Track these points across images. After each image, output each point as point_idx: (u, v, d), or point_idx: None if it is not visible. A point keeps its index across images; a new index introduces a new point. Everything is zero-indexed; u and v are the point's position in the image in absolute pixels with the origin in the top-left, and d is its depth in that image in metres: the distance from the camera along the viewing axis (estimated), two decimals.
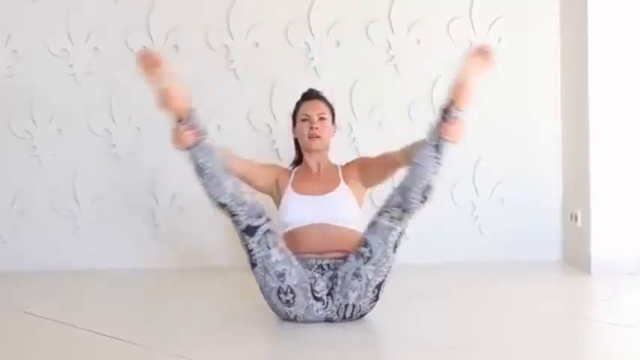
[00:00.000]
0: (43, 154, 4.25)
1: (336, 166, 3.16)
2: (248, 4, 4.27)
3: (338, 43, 4.29)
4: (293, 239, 2.94)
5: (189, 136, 2.78)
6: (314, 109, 3.12)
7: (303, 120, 3.11)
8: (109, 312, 3.21)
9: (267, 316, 2.94)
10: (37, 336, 2.81)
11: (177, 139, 2.79)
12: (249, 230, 2.78)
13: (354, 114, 4.28)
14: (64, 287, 3.80)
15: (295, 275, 2.79)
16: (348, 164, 3.18)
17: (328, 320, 2.84)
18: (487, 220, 4.30)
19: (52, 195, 4.26)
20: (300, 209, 2.98)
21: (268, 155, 4.12)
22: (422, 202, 2.77)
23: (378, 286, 2.82)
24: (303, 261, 2.85)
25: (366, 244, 2.79)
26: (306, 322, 2.83)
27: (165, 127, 4.22)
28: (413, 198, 2.75)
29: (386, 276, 2.82)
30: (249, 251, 2.80)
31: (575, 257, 4.08)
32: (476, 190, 4.30)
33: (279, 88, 4.22)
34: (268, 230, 2.79)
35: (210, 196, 2.77)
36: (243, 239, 2.80)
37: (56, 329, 2.88)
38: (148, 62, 2.83)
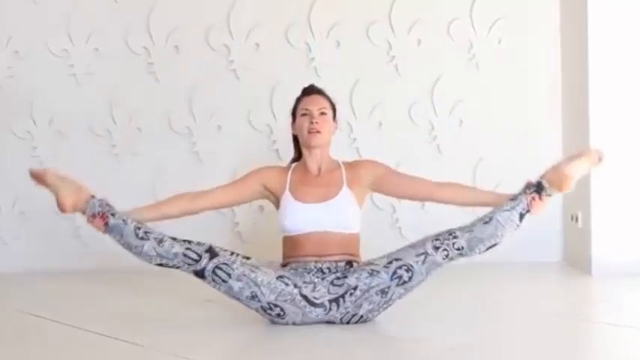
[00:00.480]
0: (43, 155, 4.25)
1: (338, 166, 2.99)
2: (248, 5, 4.27)
3: (338, 44, 4.29)
4: (292, 244, 2.87)
5: (97, 224, 2.85)
6: (315, 103, 2.96)
7: (303, 115, 2.95)
8: (109, 312, 3.20)
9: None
10: (38, 337, 2.81)
11: (92, 227, 2.87)
12: (198, 275, 2.76)
13: (354, 114, 4.28)
14: (65, 288, 3.80)
15: (269, 292, 2.73)
16: (356, 164, 3.02)
17: (328, 322, 2.82)
18: None
19: (53, 196, 4.24)
20: (300, 218, 2.85)
21: (268, 156, 4.13)
22: (482, 254, 2.80)
23: (393, 303, 2.80)
24: (301, 265, 2.80)
25: (408, 269, 2.74)
26: (304, 324, 2.81)
27: (166, 128, 4.27)
28: (479, 250, 2.78)
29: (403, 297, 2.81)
30: (214, 287, 2.78)
31: (576, 258, 4.08)
32: None
33: (280, 89, 4.22)
34: (215, 267, 2.74)
35: (144, 261, 2.80)
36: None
37: (57, 330, 2.88)
38: (37, 178, 2.91)
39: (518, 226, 2.83)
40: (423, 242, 2.79)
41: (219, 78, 4.27)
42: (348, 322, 2.80)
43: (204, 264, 2.74)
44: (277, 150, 4.21)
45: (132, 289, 3.74)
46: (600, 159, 2.90)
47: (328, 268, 2.80)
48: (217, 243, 4.19)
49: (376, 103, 4.28)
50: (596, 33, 3.86)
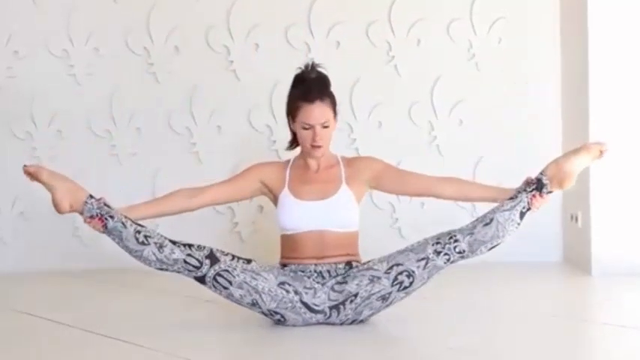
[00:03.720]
0: (43, 156, 4.25)
1: (337, 161, 2.91)
2: (248, 5, 4.27)
3: (338, 44, 4.29)
4: (290, 243, 2.84)
5: (95, 225, 2.80)
6: (317, 117, 2.80)
7: (305, 128, 2.82)
8: (109, 312, 3.21)
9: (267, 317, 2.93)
10: (37, 337, 2.81)
11: (92, 228, 2.83)
12: (199, 280, 2.75)
13: (354, 114, 4.28)
14: (64, 288, 3.80)
15: (270, 300, 2.72)
16: (355, 161, 2.96)
17: (328, 323, 2.82)
18: None
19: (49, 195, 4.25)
20: (298, 215, 2.82)
21: (268, 156, 4.12)
22: (483, 254, 2.77)
23: (393, 304, 2.79)
24: (300, 268, 2.78)
25: (409, 275, 2.72)
26: (305, 325, 2.81)
27: (166, 128, 4.26)
28: (482, 252, 2.75)
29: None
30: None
31: (576, 258, 4.08)
32: None
33: (280, 89, 4.21)
34: (217, 274, 2.71)
35: (146, 265, 2.78)
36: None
37: (56, 330, 2.88)
38: (31, 176, 2.88)
39: (519, 224, 2.81)
40: (423, 246, 2.75)
41: (219, 78, 4.27)
42: (345, 324, 2.80)
43: (205, 271, 2.72)
44: (277, 150, 4.20)
45: (131, 289, 3.74)
46: (602, 152, 2.83)
47: (328, 272, 2.78)
48: (216, 243, 4.20)
49: (376, 103, 4.28)
50: (596, 32, 3.86)
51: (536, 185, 2.81)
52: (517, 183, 4.24)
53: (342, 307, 2.74)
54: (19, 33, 4.24)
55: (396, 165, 4.21)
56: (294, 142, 2.97)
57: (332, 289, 2.75)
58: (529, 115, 4.29)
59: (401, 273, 2.72)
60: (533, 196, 2.79)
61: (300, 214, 2.82)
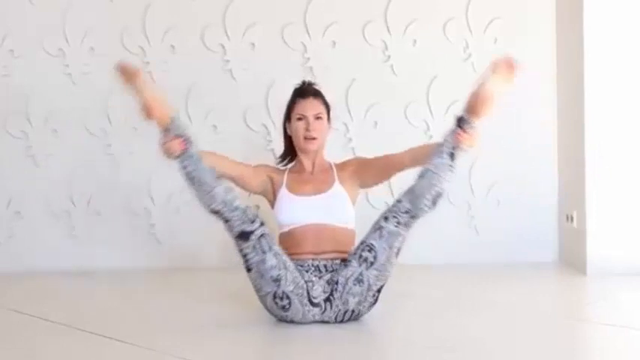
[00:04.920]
0: (38, 155, 4.25)
1: (330, 166, 3.09)
2: (244, 5, 4.27)
3: (334, 44, 4.29)
4: (288, 239, 2.92)
5: (175, 146, 2.79)
6: (310, 108, 3.02)
7: (299, 119, 3.02)
8: (105, 312, 3.20)
9: (264, 316, 2.94)
10: (32, 336, 2.81)
11: (164, 149, 2.80)
12: (243, 235, 2.76)
13: (350, 114, 4.28)
14: (59, 288, 3.79)
15: (291, 281, 2.76)
16: (343, 164, 3.12)
17: (324, 322, 2.83)
18: (483, 221, 4.30)
19: (48, 195, 4.25)
20: (295, 209, 2.95)
21: (264, 156, 4.12)
22: (431, 208, 2.76)
23: (379, 290, 2.81)
24: (298, 262, 2.83)
25: (370, 249, 2.76)
26: (302, 323, 2.82)
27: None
28: (424, 205, 2.74)
29: (386, 280, 2.81)
30: (244, 256, 2.78)
31: (571, 258, 4.09)
32: (472, 190, 4.30)
33: (276, 89, 4.22)
34: (262, 234, 2.76)
35: (202, 203, 2.77)
36: (237, 245, 2.78)
37: (52, 330, 2.87)
38: (126, 74, 2.86)
39: (452, 166, 2.78)
40: (377, 219, 2.81)
41: (215, 78, 4.26)
42: (342, 321, 2.81)
43: (256, 227, 2.75)
44: (273, 150, 4.20)
45: (128, 289, 3.74)
46: (512, 65, 2.82)
47: (325, 266, 2.84)
48: (213, 242, 4.24)
49: (372, 103, 4.28)
50: (592, 33, 3.87)
51: (458, 122, 2.81)
52: (512, 182, 4.29)
53: (331, 297, 2.78)
54: (14, 32, 4.23)
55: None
56: (286, 156, 3.12)
57: (327, 282, 2.80)
58: (525, 115, 4.29)
59: (363, 250, 2.77)
60: (458, 134, 2.79)
61: (296, 207, 2.95)
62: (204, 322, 2.97)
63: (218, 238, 4.23)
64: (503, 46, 4.26)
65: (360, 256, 2.77)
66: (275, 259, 2.76)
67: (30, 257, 4.21)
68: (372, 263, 2.76)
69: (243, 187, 3.07)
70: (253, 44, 4.28)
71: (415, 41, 4.28)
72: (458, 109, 4.21)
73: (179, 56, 4.26)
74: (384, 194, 4.28)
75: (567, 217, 4.14)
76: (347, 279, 2.77)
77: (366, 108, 4.27)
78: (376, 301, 2.83)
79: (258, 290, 2.81)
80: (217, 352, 2.56)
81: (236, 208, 2.75)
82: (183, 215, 4.27)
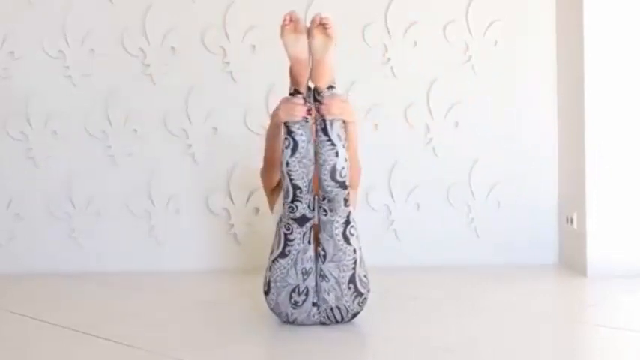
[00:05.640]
0: (38, 156, 4.25)
1: None
2: (245, 7, 4.27)
3: (334, 46, 4.27)
4: None
5: (300, 111, 2.76)
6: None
7: None
8: (106, 314, 3.20)
9: (264, 317, 2.94)
10: (32, 338, 2.81)
11: (287, 108, 2.77)
12: (301, 220, 2.75)
13: None
14: (59, 289, 3.79)
15: (313, 278, 2.79)
16: None
17: (322, 324, 2.83)
18: (483, 223, 4.30)
19: (48, 197, 4.25)
20: None
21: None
22: (338, 186, 2.72)
23: (352, 281, 2.79)
24: None
25: (318, 242, 2.80)
26: (303, 324, 2.82)
27: (162, 129, 4.26)
28: (327, 186, 2.73)
29: (354, 269, 2.79)
30: (289, 240, 2.76)
31: (571, 260, 4.09)
32: (472, 192, 4.30)
33: (276, 91, 4.21)
34: (313, 225, 2.78)
35: (292, 176, 2.72)
36: (287, 228, 2.77)
37: (52, 332, 2.87)
38: (294, 27, 2.80)
39: (330, 141, 2.73)
40: None
41: (215, 79, 4.27)
42: (336, 320, 2.82)
43: (313, 215, 2.76)
44: None
45: (128, 290, 3.74)
46: (320, 22, 2.79)
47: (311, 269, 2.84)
48: (212, 244, 4.25)
49: (372, 104, 4.28)
50: (592, 35, 3.87)
51: (314, 98, 2.81)
52: (512, 184, 4.29)
53: (317, 297, 2.79)
54: (14, 33, 4.23)
55: (391, 167, 4.27)
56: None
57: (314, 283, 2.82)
58: (525, 117, 4.29)
59: (318, 246, 2.79)
60: (318, 109, 2.78)
61: None
62: (205, 324, 2.97)
63: (218, 239, 4.26)
64: (504, 48, 4.27)
65: (318, 254, 2.79)
66: (313, 253, 2.77)
67: (30, 259, 4.21)
68: (324, 256, 2.77)
69: (270, 177, 3.02)
70: (253, 46, 4.28)
71: (415, 43, 4.28)
72: (458, 111, 4.29)
73: (179, 58, 4.26)
74: (384, 194, 4.29)
75: (567, 219, 4.14)
76: (315, 278, 2.79)
77: (365, 110, 4.27)
78: (359, 292, 2.80)
79: (275, 281, 2.79)
80: (216, 352, 2.56)
81: (309, 192, 2.75)
82: (182, 217, 4.27)
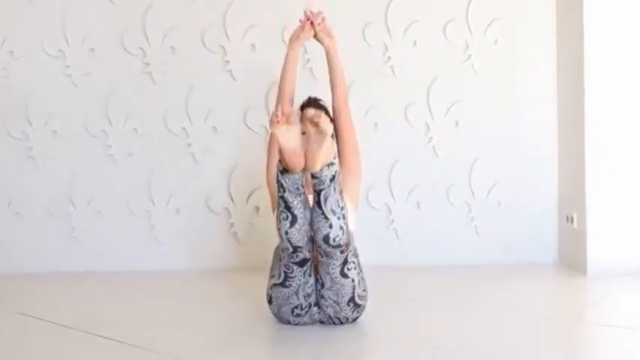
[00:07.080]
0: (38, 156, 4.24)
1: None
2: (245, 6, 4.26)
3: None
4: None
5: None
6: (311, 112, 2.91)
7: (302, 133, 2.87)
8: (106, 314, 3.20)
9: (265, 317, 2.94)
10: (33, 338, 2.81)
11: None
12: (302, 262, 2.74)
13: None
14: (60, 289, 3.79)
15: (314, 296, 2.81)
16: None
17: (322, 323, 2.84)
18: (483, 222, 4.30)
19: (48, 196, 4.25)
20: None
21: (264, 157, 4.11)
22: (331, 248, 2.70)
23: (351, 301, 2.79)
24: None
25: (318, 270, 2.81)
26: (303, 325, 2.84)
27: (162, 128, 4.26)
28: (320, 246, 2.72)
29: (353, 293, 2.78)
30: (289, 277, 2.75)
31: (571, 259, 4.09)
32: (472, 191, 4.30)
33: (276, 90, 4.20)
34: (313, 258, 2.79)
35: (292, 241, 2.70)
36: (287, 267, 2.77)
37: (52, 331, 2.87)
38: (286, 120, 2.66)
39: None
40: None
41: (215, 79, 4.27)
42: (333, 322, 2.83)
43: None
44: None
45: (128, 290, 3.74)
46: (313, 122, 2.66)
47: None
48: (212, 243, 4.24)
49: (372, 104, 4.28)
50: (593, 33, 3.87)
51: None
52: (513, 184, 4.29)
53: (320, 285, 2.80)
54: (14, 33, 4.23)
55: (391, 166, 4.27)
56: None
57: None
58: (525, 116, 4.29)
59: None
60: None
61: None
62: (205, 324, 2.97)
63: (218, 239, 4.26)
64: (504, 47, 4.27)
65: (317, 279, 2.79)
66: (314, 280, 2.80)
67: (30, 258, 4.21)
68: (322, 284, 2.77)
69: (268, 179, 3.05)
70: (253, 45, 4.28)
71: (415, 42, 4.28)
72: (458, 111, 4.29)
73: (179, 57, 4.26)
74: (385, 193, 4.29)
75: (567, 218, 4.14)
76: (317, 296, 2.81)
77: (366, 109, 4.27)
78: (359, 305, 2.82)
79: (277, 299, 2.79)
80: (218, 354, 2.56)
81: (308, 243, 2.74)
82: (183, 216, 4.27)
